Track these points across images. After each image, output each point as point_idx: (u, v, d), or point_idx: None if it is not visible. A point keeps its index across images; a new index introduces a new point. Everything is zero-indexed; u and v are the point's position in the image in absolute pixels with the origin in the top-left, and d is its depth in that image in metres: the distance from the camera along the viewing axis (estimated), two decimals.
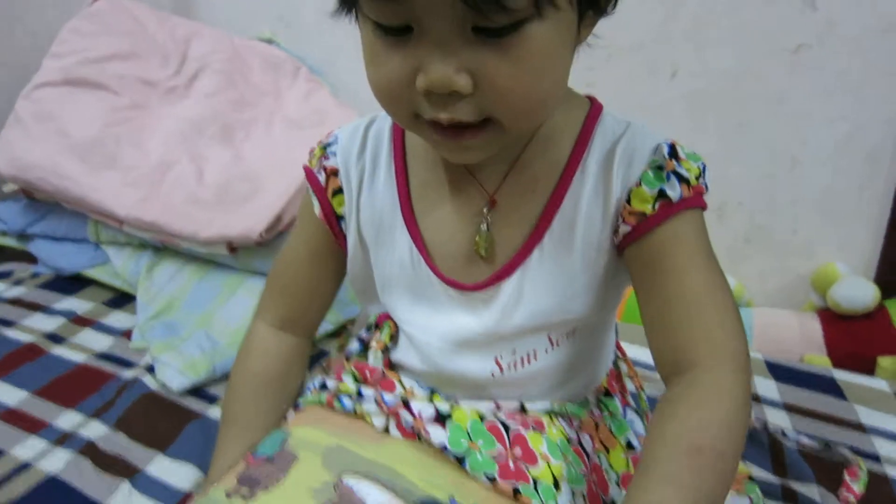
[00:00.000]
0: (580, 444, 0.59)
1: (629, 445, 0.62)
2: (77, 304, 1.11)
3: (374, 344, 0.62)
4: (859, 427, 0.89)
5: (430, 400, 0.59)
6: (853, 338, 1.14)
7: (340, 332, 1.03)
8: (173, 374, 0.87)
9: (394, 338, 0.62)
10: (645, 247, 0.52)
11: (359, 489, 0.52)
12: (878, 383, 1.00)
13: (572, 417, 0.61)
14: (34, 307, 1.09)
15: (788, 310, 1.25)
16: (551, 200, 0.54)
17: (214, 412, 0.84)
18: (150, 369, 0.93)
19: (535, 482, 0.54)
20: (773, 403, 0.93)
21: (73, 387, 0.89)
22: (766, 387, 0.97)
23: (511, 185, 0.55)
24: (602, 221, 0.54)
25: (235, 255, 1.03)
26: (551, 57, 0.45)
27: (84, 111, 1.13)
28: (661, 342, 0.52)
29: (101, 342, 1.01)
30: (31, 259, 1.26)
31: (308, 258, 0.65)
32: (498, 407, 0.59)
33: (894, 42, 1.07)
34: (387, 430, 0.58)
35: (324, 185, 0.61)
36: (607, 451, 0.60)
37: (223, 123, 1.17)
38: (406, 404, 0.58)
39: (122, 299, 1.13)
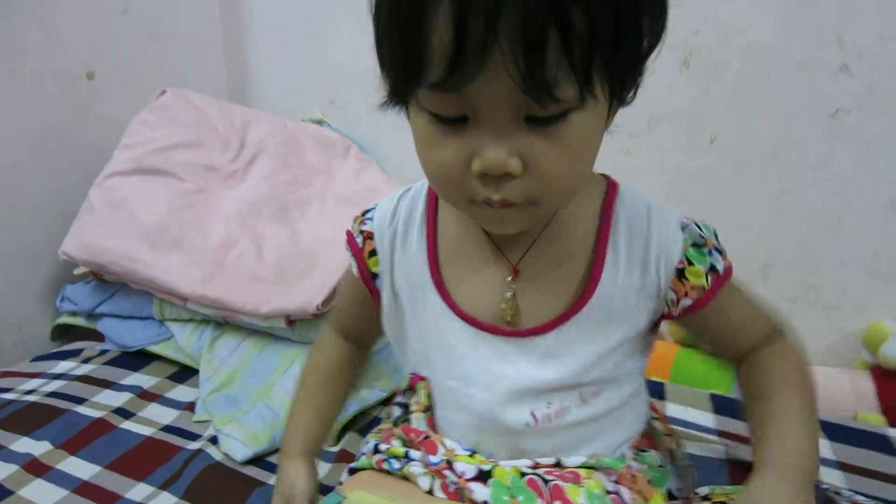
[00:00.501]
0: (618, 494, 0.61)
1: (670, 495, 0.64)
2: (143, 379, 1.16)
3: (414, 406, 0.67)
4: None
5: (472, 459, 0.63)
6: None
7: (392, 398, 1.07)
8: (237, 445, 0.91)
9: (429, 397, 0.66)
10: (706, 313, 0.62)
11: None
12: None
13: (609, 470, 0.63)
14: (103, 383, 1.15)
15: (840, 368, 1.24)
16: (591, 276, 0.60)
17: (275, 480, 0.87)
18: (214, 440, 0.97)
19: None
20: (827, 462, 0.93)
21: (143, 459, 0.93)
22: (820, 446, 0.97)
23: (534, 256, 0.61)
24: (637, 296, 0.61)
25: (293, 327, 1.08)
26: (590, 141, 0.51)
27: (152, 198, 1.21)
28: (726, 353, 0.68)
29: (167, 415, 1.06)
30: (99, 337, 1.32)
31: (354, 307, 0.74)
32: (536, 465, 0.62)
33: None
34: (431, 490, 0.61)
35: (361, 247, 0.68)
36: (646, 500, 0.62)
37: (279, 203, 1.24)
38: (450, 465, 0.62)
39: (185, 373, 1.18)
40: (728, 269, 0.63)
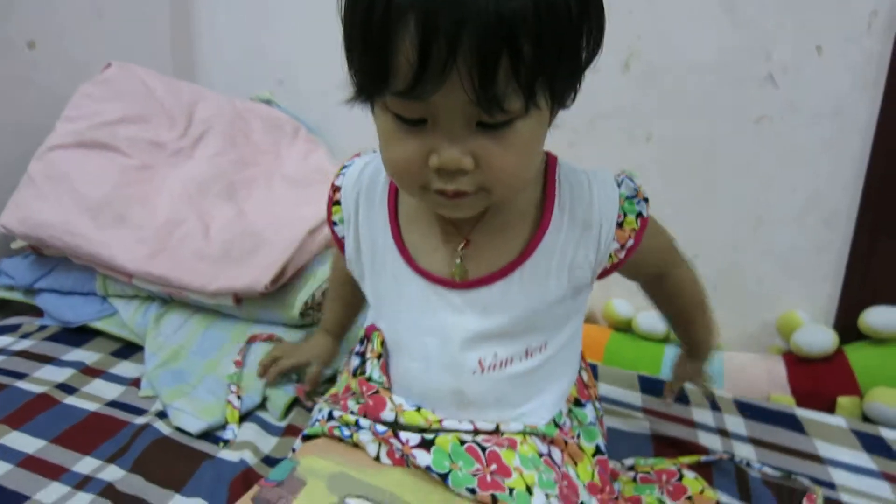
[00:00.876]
0: (550, 456, 0.69)
1: (598, 450, 0.74)
2: (85, 355, 1.16)
3: (369, 354, 0.74)
4: (817, 459, 0.96)
5: (419, 414, 0.69)
6: (815, 379, 1.23)
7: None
8: (189, 418, 0.93)
9: (383, 345, 0.73)
10: (638, 249, 0.71)
11: None
12: (836, 420, 1.08)
13: (543, 436, 0.70)
14: (44, 359, 1.13)
15: (756, 353, 1.33)
16: (534, 235, 0.67)
17: (224, 454, 0.89)
18: (161, 415, 0.98)
19: (510, 490, 0.62)
20: (740, 438, 1.01)
21: (88, 434, 0.94)
22: (735, 423, 1.05)
23: (483, 227, 0.68)
24: (578, 252, 0.68)
25: (240, 305, 1.10)
26: (532, 143, 0.59)
27: (95, 172, 1.20)
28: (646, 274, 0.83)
29: (112, 391, 1.05)
30: (37, 312, 1.30)
31: (338, 276, 0.91)
32: (476, 431, 0.68)
33: (842, 121, 1.18)
34: (378, 457, 0.68)
35: (331, 196, 0.77)
36: (575, 463, 0.70)
37: (227, 182, 1.24)
38: (395, 433, 0.68)
39: (129, 350, 1.17)
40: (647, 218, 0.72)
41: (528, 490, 0.63)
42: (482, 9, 0.47)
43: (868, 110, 1.16)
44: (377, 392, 0.71)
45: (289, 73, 1.58)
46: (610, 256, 0.70)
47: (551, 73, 0.53)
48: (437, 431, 0.68)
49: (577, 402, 0.77)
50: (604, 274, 0.72)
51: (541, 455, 0.68)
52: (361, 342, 0.77)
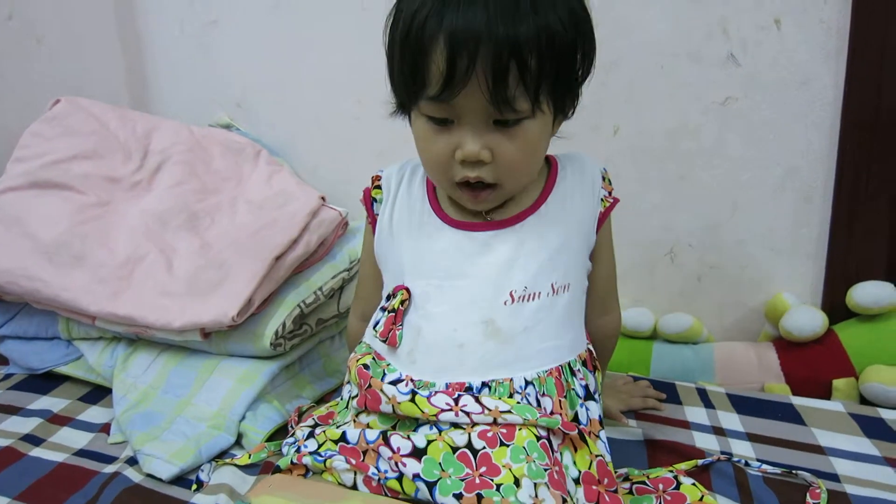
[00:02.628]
0: (549, 439, 0.71)
1: (576, 418, 0.78)
2: (52, 402, 1.12)
3: (386, 305, 0.82)
4: (818, 450, 0.94)
5: (413, 407, 0.72)
6: (808, 363, 1.19)
7: (319, 402, 1.08)
8: (159, 463, 0.88)
9: (403, 303, 0.80)
10: (602, 232, 0.85)
11: None
12: (833, 405, 1.06)
13: (543, 427, 0.71)
14: (9, 410, 1.09)
15: (745, 342, 1.30)
16: (545, 189, 0.81)
17: (199, 499, 0.85)
18: (131, 461, 0.94)
19: (497, 486, 0.66)
20: (736, 435, 0.98)
21: (55, 488, 0.89)
22: (729, 420, 1.02)
23: (501, 208, 0.80)
24: (583, 189, 0.83)
25: (209, 340, 1.05)
26: (538, 141, 0.73)
27: (50, 213, 1.15)
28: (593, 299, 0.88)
29: (80, 439, 1.01)
30: (2, 361, 1.26)
31: (369, 257, 0.90)
32: (473, 424, 0.71)
33: (810, 94, 1.16)
34: (355, 485, 0.71)
35: (370, 187, 0.88)
36: (575, 449, 0.74)
37: (188, 213, 1.20)
38: (386, 440, 0.71)
39: (98, 393, 1.14)
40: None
41: (517, 483, 0.66)
42: (493, 31, 0.63)
43: (834, 81, 1.14)
44: (370, 386, 0.76)
45: (246, 96, 1.54)
46: (602, 200, 0.84)
47: (552, 82, 0.68)
48: (433, 424, 0.72)
49: (584, 364, 0.82)
50: (600, 222, 0.84)
51: (538, 438, 0.70)
52: (388, 299, 0.83)
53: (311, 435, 0.80)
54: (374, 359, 0.80)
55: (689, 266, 1.33)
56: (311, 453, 0.76)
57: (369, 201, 0.88)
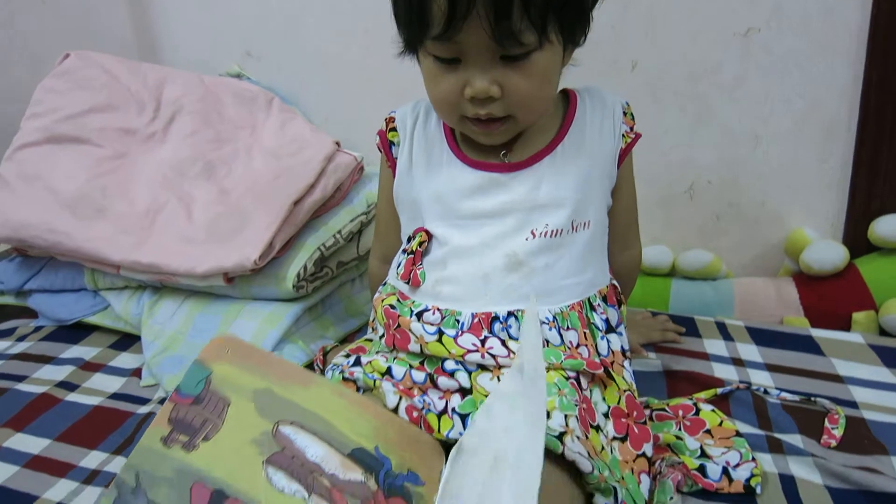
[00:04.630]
0: (577, 380, 0.73)
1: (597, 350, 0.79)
2: (83, 350, 1.15)
3: (407, 247, 0.83)
4: (837, 378, 0.94)
5: (440, 346, 0.73)
6: (827, 297, 1.20)
7: (342, 342, 1.12)
8: None
9: (422, 244, 0.81)
10: (624, 166, 0.84)
11: (297, 440, 0.59)
12: (853, 337, 1.06)
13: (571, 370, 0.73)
14: (42, 359, 1.13)
15: (765, 277, 1.30)
16: (563, 126, 0.80)
17: None
18: (164, 402, 0.96)
19: None
20: (755, 365, 0.99)
21: (93, 428, 0.93)
22: (749, 351, 1.03)
23: (519, 139, 0.79)
24: (602, 130, 0.81)
25: (232, 284, 1.07)
26: (548, 73, 0.72)
27: (68, 166, 1.16)
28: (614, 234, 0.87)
29: (113, 384, 1.05)
30: (31, 314, 1.29)
31: (386, 200, 0.90)
32: (499, 366, 0.72)
33: (836, 21, 1.13)
34: (397, 409, 0.70)
35: (385, 129, 0.87)
36: (605, 387, 0.76)
37: (204, 162, 1.21)
38: (434, 383, 0.73)
39: (127, 341, 1.17)
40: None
41: (548, 414, 0.65)
42: None
43: (860, 9, 1.11)
44: (399, 326, 0.78)
45: (256, 45, 1.53)
46: (623, 136, 0.82)
47: (559, 11, 0.66)
48: (460, 362, 0.73)
49: (605, 299, 0.83)
50: (621, 158, 0.83)
51: (567, 378, 0.71)
52: (409, 241, 0.84)
53: (357, 363, 0.79)
54: (398, 299, 0.82)
55: (709, 203, 1.32)
56: (353, 366, 0.77)
57: (386, 144, 0.87)
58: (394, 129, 0.87)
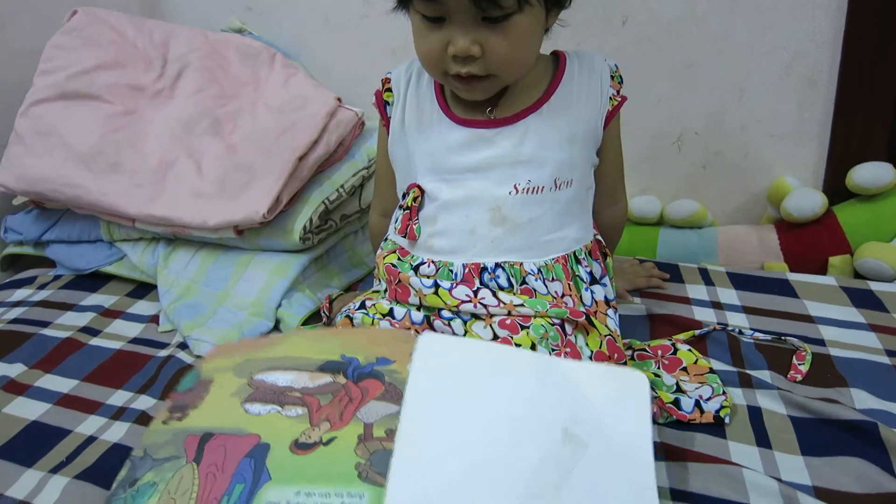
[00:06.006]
0: (562, 326, 0.79)
1: (581, 301, 0.86)
2: (102, 298, 1.21)
3: (402, 203, 0.88)
4: (808, 319, 1.01)
5: (437, 299, 0.80)
6: (806, 243, 1.26)
7: (347, 290, 1.18)
8: (208, 346, 0.98)
9: (416, 200, 0.86)
10: (611, 127, 0.88)
11: (268, 378, 0.66)
12: (827, 280, 1.12)
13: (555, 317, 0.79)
14: (63, 306, 1.19)
15: (748, 224, 1.36)
16: (550, 87, 0.84)
17: None
18: (182, 346, 1.04)
19: (516, 345, 0.75)
20: (733, 308, 1.05)
21: (117, 370, 1.00)
22: (728, 295, 1.09)
23: (506, 94, 0.83)
24: (591, 86, 0.85)
25: (242, 236, 1.13)
26: (528, 35, 0.75)
27: (81, 122, 1.21)
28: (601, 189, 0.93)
29: (132, 329, 1.11)
30: (49, 264, 1.35)
31: (383, 157, 0.94)
32: (490, 315, 0.80)
33: None
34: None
35: (380, 89, 0.91)
36: (587, 333, 0.80)
37: (211, 118, 1.25)
38: (430, 324, 0.82)
39: (143, 290, 1.23)
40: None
41: (533, 346, 0.75)
42: None
43: None
44: (399, 281, 0.84)
45: (257, 0, 1.55)
46: (610, 99, 0.86)
47: None
48: (455, 313, 0.80)
49: (590, 254, 0.89)
50: (607, 120, 0.87)
51: (553, 324, 0.79)
52: (404, 197, 0.89)
53: (362, 306, 0.88)
54: (398, 257, 0.88)
55: (696, 154, 1.38)
56: (358, 310, 0.87)
57: (381, 104, 0.91)
58: (389, 90, 0.91)
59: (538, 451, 0.55)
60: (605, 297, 0.89)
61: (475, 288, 0.80)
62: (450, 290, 0.80)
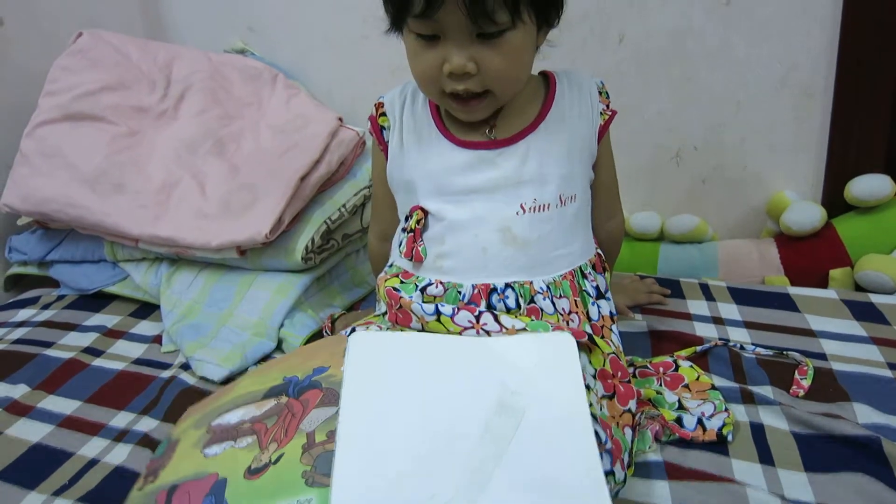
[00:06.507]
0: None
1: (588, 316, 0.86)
2: (106, 318, 1.22)
3: (405, 226, 0.88)
4: (810, 333, 1.01)
5: (439, 325, 0.79)
6: (806, 256, 1.26)
7: (349, 310, 1.18)
8: (211, 367, 0.99)
9: (420, 222, 0.86)
10: (603, 144, 0.90)
11: (223, 420, 0.69)
12: (828, 293, 1.13)
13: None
14: (67, 326, 1.20)
15: (748, 238, 1.36)
16: (544, 106, 0.86)
17: None
18: (185, 367, 1.04)
19: None
20: (734, 323, 1.05)
21: (120, 391, 1.00)
22: (729, 310, 1.09)
23: (503, 114, 0.84)
24: (582, 104, 0.87)
25: (245, 256, 1.14)
26: (521, 52, 0.76)
27: (86, 143, 1.22)
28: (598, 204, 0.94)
29: (136, 350, 1.12)
30: (53, 283, 1.36)
31: (381, 182, 0.94)
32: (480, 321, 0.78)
33: None
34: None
35: (375, 114, 0.91)
36: (590, 351, 0.80)
37: (214, 139, 1.26)
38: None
39: (146, 310, 1.24)
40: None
41: None
42: None
43: None
44: (401, 307, 0.82)
45: (258, 20, 1.57)
46: (601, 114, 0.88)
47: None
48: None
49: (594, 267, 0.90)
50: (600, 135, 0.89)
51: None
52: (406, 220, 0.88)
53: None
54: (401, 280, 0.86)
55: (695, 168, 1.38)
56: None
57: (378, 129, 0.91)
58: (384, 114, 0.91)
59: (476, 427, 0.57)
60: (610, 312, 0.89)
61: (477, 313, 0.78)
62: (451, 316, 0.78)
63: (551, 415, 0.59)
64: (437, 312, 0.79)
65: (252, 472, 0.61)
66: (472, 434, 0.57)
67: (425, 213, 0.86)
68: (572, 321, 0.83)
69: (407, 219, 0.88)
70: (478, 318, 0.78)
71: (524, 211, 0.82)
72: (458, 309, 0.79)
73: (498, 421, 0.57)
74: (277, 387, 0.71)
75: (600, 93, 0.89)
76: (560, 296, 0.83)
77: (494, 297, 0.81)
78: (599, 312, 0.87)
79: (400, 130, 0.89)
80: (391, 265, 0.91)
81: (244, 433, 0.66)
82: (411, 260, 0.85)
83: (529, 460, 0.57)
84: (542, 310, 0.81)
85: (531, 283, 0.82)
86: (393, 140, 0.89)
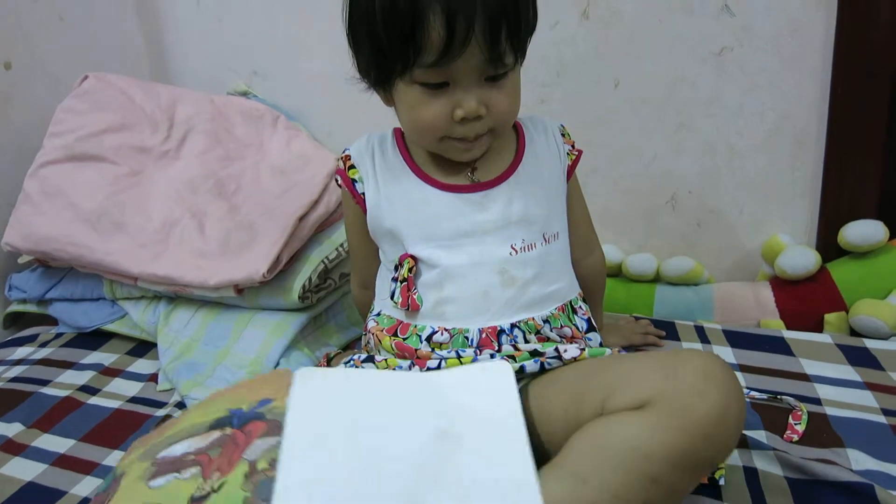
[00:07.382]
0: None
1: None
2: (102, 356, 1.22)
3: (397, 276, 0.85)
4: (804, 377, 1.01)
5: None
6: (801, 300, 1.27)
7: (345, 349, 1.18)
8: None
9: (411, 270, 0.84)
10: (572, 182, 0.94)
11: (168, 452, 0.70)
12: (822, 338, 1.13)
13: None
14: (64, 364, 1.20)
15: (744, 282, 1.37)
16: (519, 147, 0.88)
17: None
18: (180, 406, 1.04)
19: None
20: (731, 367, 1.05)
21: (115, 429, 1.00)
22: (723, 353, 1.10)
23: (482, 160, 0.86)
24: (550, 151, 0.90)
25: (242, 295, 1.14)
26: (518, 88, 0.80)
27: (88, 183, 1.24)
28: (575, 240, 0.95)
29: (131, 388, 1.12)
30: (51, 321, 1.37)
31: (357, 234, 0.94)
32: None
33: (803, 39, 1.20)
34: None
35: (343, 168, 0.90)
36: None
37: (215, 179, 1.28)
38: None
39: (143, 348, 1.24)
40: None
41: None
42: None
43: (824, 27, 1.18)
44: (418, 357, 0.83)
45: (262, 64, 1.60)
46: (568, 154, 0.92)
47: (525, 34, 0.75)
48: None
49: (585, 302, 0.92)
50: (569, 174, 0.92)
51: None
52: (396, 269, 0.87)
53: (369, 360, 0.86)
54: (398, 333, 0.85)
55: (690, 212, 1.40)
56: (364, 361, 0.86)
57: (349, 182, 0.89)
58: (353, 167, 0.89)
59: (413, 453, 0.58)
60: (600, 345, 0.90)
61: (494, 350, 0.80)
62: (475, 360, 0.79)
63: (489, 439, 0.60)
64: (458, 356, 0.80)
65: (194, 501, 0.62)
66: (410, 459, 0.58)
67: (415, 260, 0.85)
68: (578, 343, 0.85)
69: (397, 268, 0.86)
70: (498, 351, 0.81)
71: (515, 252, 0.83)
72: (479, 351, 0.81)
73: (435, 447, 0.58)
74: (223, 418, 0.72)
75: (563, 134, 0.93)
76: (561, 326, 0.85)
77: (503, 339, 0.82)
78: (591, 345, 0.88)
79: (375, 180, 0.88)
80: (378, 314, 0.90)
81: (188, 464, 0.67)
82: (407, 310, 0.84)
83: (466, 483, 0.58)
84: (548, 337, 0.84)
85: (534, 318, 0.83)
86: (369, 191, 0.88)
